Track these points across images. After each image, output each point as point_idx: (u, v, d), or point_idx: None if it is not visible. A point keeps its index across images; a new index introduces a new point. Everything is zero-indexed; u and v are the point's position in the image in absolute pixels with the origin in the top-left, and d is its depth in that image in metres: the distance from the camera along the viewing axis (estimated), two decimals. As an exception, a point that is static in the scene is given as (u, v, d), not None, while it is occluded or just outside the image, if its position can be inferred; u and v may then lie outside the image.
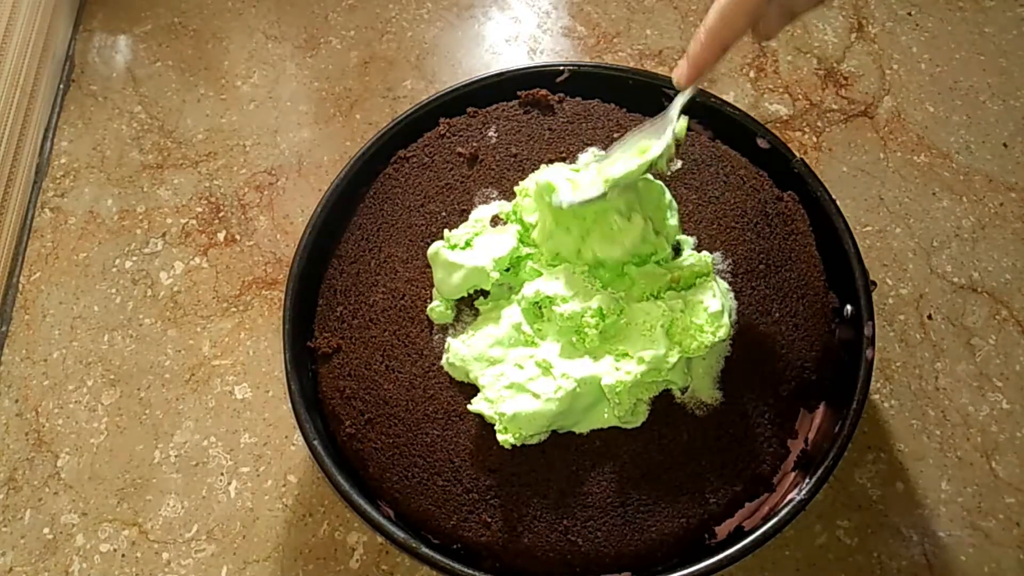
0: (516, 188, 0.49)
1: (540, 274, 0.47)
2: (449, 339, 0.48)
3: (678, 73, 0.44)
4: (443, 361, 0.48)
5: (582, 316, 0.44)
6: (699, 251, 0.49)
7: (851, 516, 0.53)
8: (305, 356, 0.51)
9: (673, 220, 0.47)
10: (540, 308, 0.46)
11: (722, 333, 0.44)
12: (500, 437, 0.43)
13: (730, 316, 0.46)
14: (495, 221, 0.50)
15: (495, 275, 0.47)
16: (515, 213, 0.49)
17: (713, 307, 0.44)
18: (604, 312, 0.44)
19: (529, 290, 0.46)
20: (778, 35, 0.46)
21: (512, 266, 0.48)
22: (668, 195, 0.47)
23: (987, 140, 0.66)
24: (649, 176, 0.47)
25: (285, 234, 0.66)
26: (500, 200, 0.52)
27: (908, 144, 0.67)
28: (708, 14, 0.41)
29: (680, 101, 0.44)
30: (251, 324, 0.62)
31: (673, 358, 0.43)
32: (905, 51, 0.71)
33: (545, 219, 0.47)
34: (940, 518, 0.53)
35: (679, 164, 0.53)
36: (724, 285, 0.47)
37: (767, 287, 0.49)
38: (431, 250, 0.48)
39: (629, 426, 0.45)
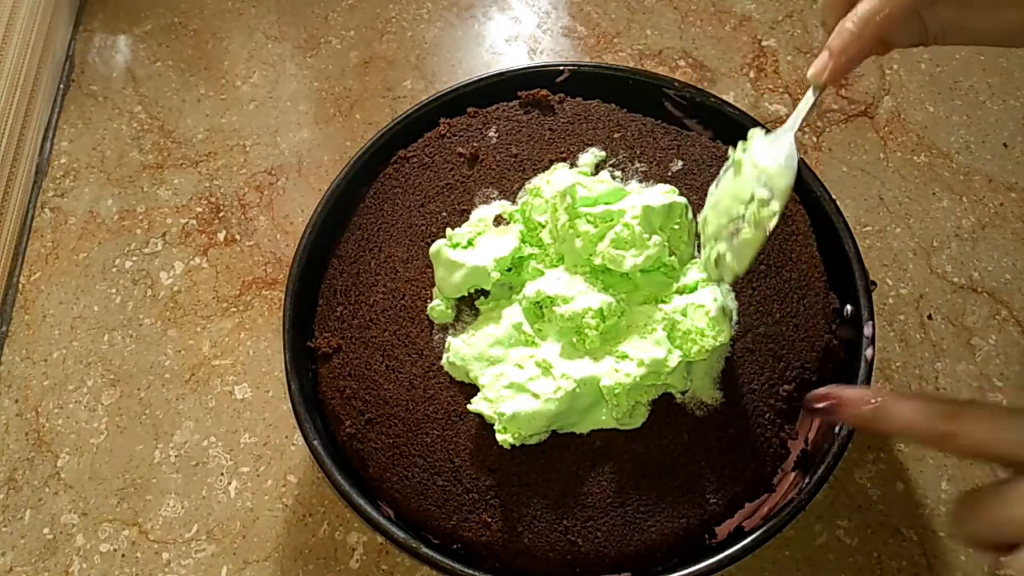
0: (527, 187, 0.49)
1: (542, 274, 0.47)
2: (450, 338, 0.48)
3: (818, 68, 0.40)
4: (443, 360, 0.48)
5: (583, 317, 0.44)
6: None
7: (851, 516, 0.53)
8: (305, 356, 0.51)
9: (689, 246, 0.47)
10: (541, 308, 0.46)
11: (723, 338, 0.44)
12: (499, 437, 0.43)
13: (730, 319, 0.46)
14: (498, 221, 0.51)
15: (496, 275, 0.47)
16: (523, 212, 0.49)
17: (715, 311, 0.44)
18: (605, 313, 0.44)
19: (530, 290, 0.46)
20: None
21: (514, 266, 0.48)
22: (691, 215, 0.47)
23: (987, 140, 0.66)
24: (675, 193, 0.47)
25: (285, 234, 0.66)
26: (501, 200, 0.52)
27: (908, 144, 0.67)
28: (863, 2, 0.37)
29: (807, 105, 0.41)
30: (251, 324, 0.62)
31: (673, 362, 0.43)
32: (905, 51, 0.71)
33: (558, 220, 0.47)
34: (940, 518, 0.53)
35: (680, 164, 0.53)
36: (725, 286, 0.47)
37: (767, 287, 0.49)
38: (433, 248, 0.48)
39: (627, 427, 0.45)
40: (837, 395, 0.38)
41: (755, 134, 0.43)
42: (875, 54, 0.42)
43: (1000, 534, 0.34)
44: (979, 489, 0.35)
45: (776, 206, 0.40)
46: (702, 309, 0.44)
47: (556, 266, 0.47)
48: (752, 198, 0.40)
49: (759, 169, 0.41)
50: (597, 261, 0.46)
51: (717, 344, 0.44)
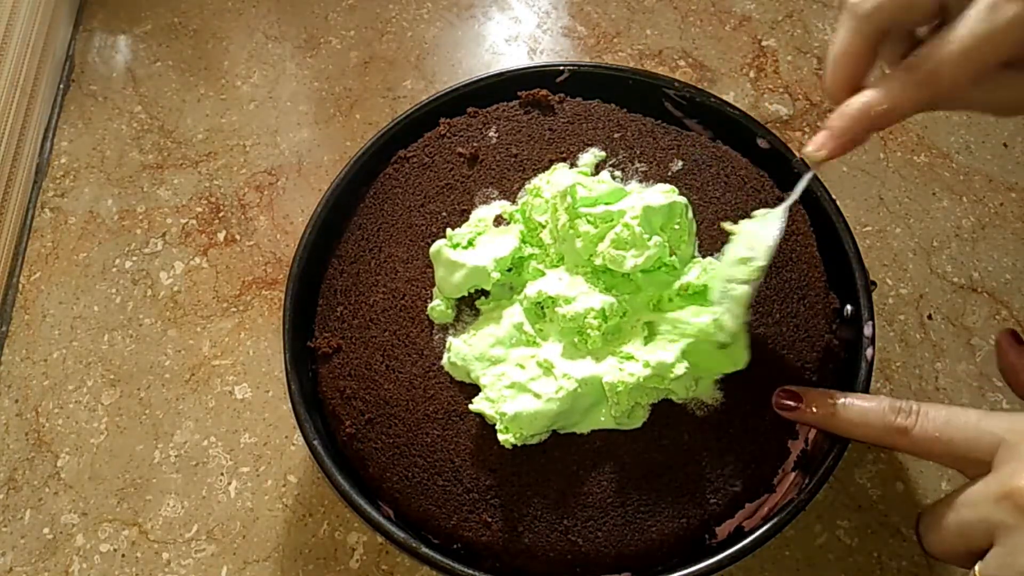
0: (527, 187, 0.49)
1: (543, 274, 0.47)
2: (450, 338, 0.48)
3: (817, 145, 0.39)
4: (444, 361, 0.48)
5: (585, 317, 0.44)
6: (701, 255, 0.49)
7: (851, 516, 0.53)
8: (305, 356, 0.51)
9: (690, 246, 0.47)
10: (542, 308, 0.46)
11: (741, 364, 0.44)
12: (501, 437, 0.43)
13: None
14: (499, 221, 0.51)
15: (496, 275, 0.47)
16: (523, 212, 0.49)
17: (742, 340, 0.44)
18: (607, 313, 0.44)
19: (532, 290, 0.46)
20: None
21: (514, 266, 0.48)
22: (691, 215, 0.47)
23: (987, 140, 0.66)
24: (675, 193, 0.47)
25: (285, 234, 0.66)
26: (501, 200, 0.52)
27: (908, 144, 0.67)
28: (871, 92, 0.37)
29: (802, 185, 0.42)
30: (251, 324, 0.62)
31: (679, 370, 0.43)
32: (905, 51, 0.71)
33: (558, 221, 0.47)
34: (940, 518, 0.53)
35: (680, 164, 0.53)
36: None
37: (767, 287, 0.49)
38: (433, 248, 0.48)
39: (625, 428, 0.45)
40: (797, 395, 0.41)
41: (755, 214, 0.46)
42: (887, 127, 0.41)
43: (964, 542, 0.35)
44: (934, 504, 0.36)
45: (760, 262, 0.42)
46: (731, 332, 0.44)
47: (557, 266, 0.47)
48: (739, 260, 0.43)
49: (747, 235, 0.44)
50: (598, 261, 0.46)
51: (735, 370, 0.44)
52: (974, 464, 0.35)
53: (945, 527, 0.36)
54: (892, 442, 0.38)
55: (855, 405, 0.40)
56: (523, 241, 0.48)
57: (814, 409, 0.41)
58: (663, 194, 0.46)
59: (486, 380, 0.45)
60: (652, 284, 0.46)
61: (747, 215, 0.51)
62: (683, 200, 0.46)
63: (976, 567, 0.34)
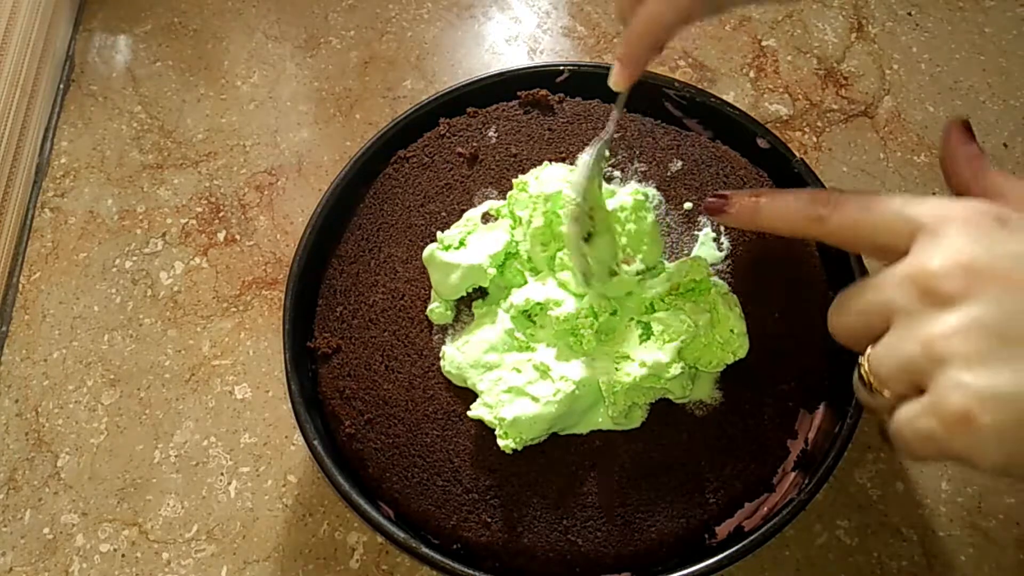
0: (514, 181, 0.49)
1: (523, 277, 0.47)
2: (444, 346, 0.48)
3: (614, 78, 0.42)
4: (440, 366, 0.48)
5: (577, 317, 0.44)
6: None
7: (851, 516, 0.53)
8: (305, 356, 0.51)
9: (656, 246, 0.47)
10: (530, 316, 0.46)
11: (742, 353, 0.44)
12: (501, 443, 0.43)
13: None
14: (486, 218, 0.51)
15: (492, 271, 0.47)
16: (508, 205, 0.49)
17: (739, 327, 0.44)
18: (596, 311, 0.44)
19: (518, 298, 0.46)
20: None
21: (507, 259, 0.48)
22: (651, 216, 0.46)
23: (987, 140, 0.66)
24: (638, 193, 0.47)
25: (285, 234, 0.66)
26: (499, 200, 0.52)
27: (908, 144, 0.67)
28: (641, 10, 0.39)
29: (616, 113, 0.44)
30: (251, 324, 0.62)
31: (675, 370, 0.43)
32: (905, 51, 0.71)
33: (532, 221, 0.47)
34: (940, 518, 0.53)
35: (680, 164, 0.53)
36: (724, 287, 0.47)
37: (767, 287, 0.49)
38: (426, 253, 0.48)
39: (623, 428, 0.45)
40: (725, 195, 0.40)
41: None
42: (677, 32, 0.42)
43: (863, 324, 0.33)
44: (846, 287, 0.35)
45: (576, 196, 0.43)
46: (727, 323, 0.44)
47: (531, 268, 0.47)
48: (565, 203, 0.44)
49: (569, 182, 0.45)
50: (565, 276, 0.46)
51: (735, 359, 0.44)
52: (893, 252, 0.33)
53: (848, 308, 0.34)
54: (812, 231, 0.36)
55: (776, 198, 0.38)
56: (512, 235, 0.48)
57: (737, 207, 0.39)
58: (628, 195, 0.46)
59: (483, 386, 0.45)
60: (643, 284, 0.46)
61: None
62: (640, 199, 0.46)
63: (867, 351, 0.33)
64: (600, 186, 0.45)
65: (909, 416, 0.30)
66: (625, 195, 0.46)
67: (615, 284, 0.45)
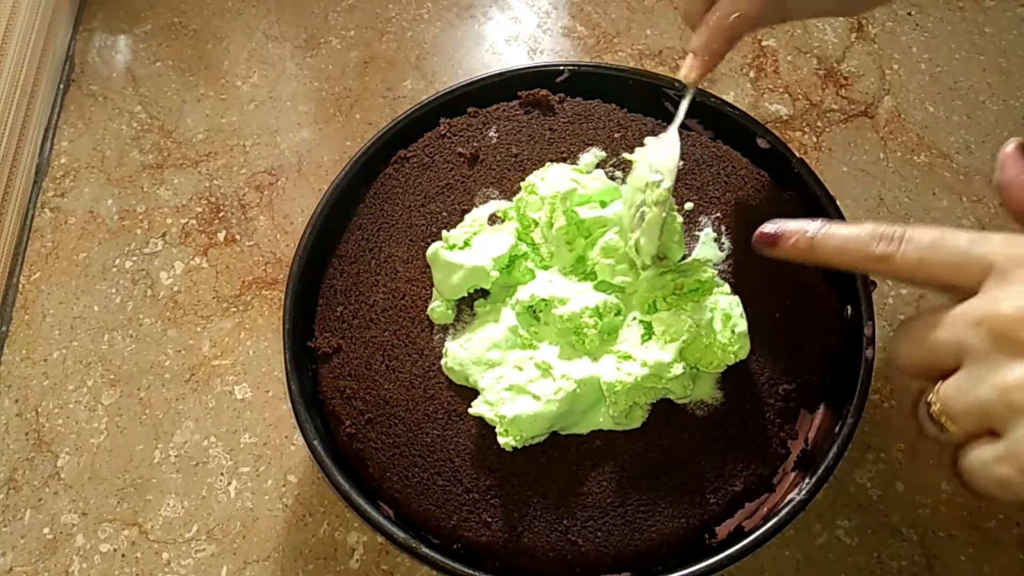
0: (522, 184, 0.49)
1: (534, 275, 0.47)
2: (447, 344, 0.48)
3: (686, 69, 0.44)
4: (442, 363, 0.48)
5: (580, 317, 0.44)
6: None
7: (851, 516, 0.53)
8: (305, 356, 0.51)
9: (679, 247, 0.47)
10: (535, 312, 0.46)
11: (743, 354, 0.44)
12: (501, 440, 0.43)
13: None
14: (493, 220, 0.51)
15: (495, 274, 0.47)
16: (517, 209, 0.49)
17: (740, 327, 0.44)
18: (601, 311, 0.44)
19: (524, 294, 0.46)
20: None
21: (511, 263, 0.48)
22: (678, 219, 0.47)
23: (987, 140, 0.66)
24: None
25: (285, 234, 0.66)
26: (500, 200, 0.52)
27: (908, 144, 0.67)
28: (718, 9, 0.42)
29: (685, 104, 0.45)
30: (251, 324, 0.62)
31: (676, 370, 0.43)
32: (905, 51, 0.71)
33: (553, 223, 0.47)
34: (940, 518, 0.53)
35: (680, 164, 0.53)
36: (726, 288, 0.47)
37: (768, 288, 0.49)
38: (430, 251, 0.48)
39: (624, 428, 0.45)
40: (779, 229, 0.38)
41: (647, 140, 0.47)
42: (745, 35, 0.45)
43: (933, 359, 0.33)
44: (913, 317, 0.34)
45: (667, 183, 0.43)
46: (730, 323, 0.44)
47: (548, 267, 0.47)
48: (647, 185, 0.44)
49: (648, 162, 0.45)
50: (588, 267, 0.46)
51: (735, 360, 0.44)
52: (962, 290, 0.33)
53: (918, 341, 0.34)
54: (875, 269, 0.36)
55: (834, 236, 0.37)
56: (519, 238, 0.48)
57: (792, 242, 0.38)
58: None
59: (484, 383, 0.45)
60: (647, 283, 0.46)
61: (747, 215, 0.51)
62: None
63: (937, 386, 0.33)
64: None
65: (984, 460, 0.31)
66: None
67: (659, 274, 0.46)
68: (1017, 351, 0.30)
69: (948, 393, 0.32)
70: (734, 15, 0.42)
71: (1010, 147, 0.38)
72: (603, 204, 0.49)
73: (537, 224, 0.48)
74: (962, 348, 0.32)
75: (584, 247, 0.47)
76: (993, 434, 0.30)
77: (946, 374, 0.32)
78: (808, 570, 0.52)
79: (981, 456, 0.31)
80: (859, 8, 0.49)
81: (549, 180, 0.48)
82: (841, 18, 0.73)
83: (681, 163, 0.53)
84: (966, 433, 0.32)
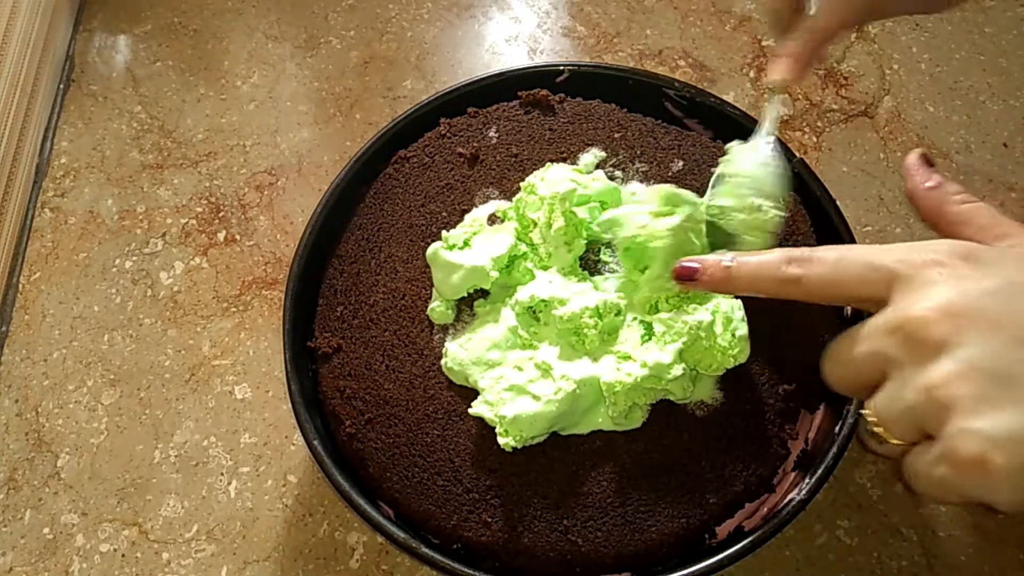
0: (522, 184, 0.49)
1: (533, 275, 0.47)
2: (447, 344, 0.48)
3: (780, 73, 0.44)
4: (442, 363, 0.48)
5: (581, 317, 0.44)
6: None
7: (851, 516, 0.53)
8: (305, 356, 0.51)
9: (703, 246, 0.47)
10: (535, 313, 0.46)
11: (743, 357, 0.44)
12: (501, 441, 0.43)
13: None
14: (492, 220, 0.51)
15: (494, 274, 0.47)
16: (517, 209, 0.49)
17: (741, 331, 0.44)
18: (601, 311, 0.44)
19: (523, 295, 0.46)
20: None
21: (511, 263, 0.48)
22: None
23: (987, 140, 0.66)
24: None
25: (285, 234, 0.66)
26: (500, 200, 0.52)
27: (908, 144, 0.67)
28: (811, 20, 0.42)
29: (775, 110, 0.45)
30: (251, 324, 0.62)
31: (676, 371, 0.43)
32: (905, 51, 0.71)
33: (552, 224, 0.47)
34: (940, 518, 0.53)
35: (680, 164, 0.53)
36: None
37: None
38: (430, 251, 0.48)
39: (624, 428, 0.45)
40: (696, 261, 0.39)
41: (733, 146, 0.46)
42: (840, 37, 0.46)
43: (858, 375, 0.34)
44: (838, 337, 0.35)
45: (776, 212, 0.43)
46: (731, 326, 0.44)
47: (547, 267, 0.47)
48: (749, 207, 0.43)
49: (749, 177, 0.44)
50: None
51: (735, 363, 0.44)
52: (874, 303, 0.33)
53: (841, 361, 0.35)
54: (789, 293, 0.36)
55: (747, 263, 0.38)
56: (518, 238, 0.48)
57: (708, 275, 0.39)
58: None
59: (484, 383, 0.45)
60: (650, 284, 0.46)
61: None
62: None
63: (871, 401, 0.33)
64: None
65: (923, 464, 0.31)
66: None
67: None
68: (933, 350, 0.30)
69: (880, 405, 0.32)
70: (831, 23, 0.42)
71: (913, 157, 0.40)
72: (604, 205, 0.49)
73: (536, 224, 0.48)
74: (883, 359, 0.32)
75: (582, 249, 0.47)
76: (930, 438, 0.31)
77: (875, 388, 0.33)
78: (808, 570, 0.52)
79: (919, 461, 0.31)
80: (942, 6, 0.49)
81: (549, 180, 0.48)
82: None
83: (681, 163, 0.53)
84: (906, 442, 0.32)
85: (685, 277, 0.40)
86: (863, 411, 0.33)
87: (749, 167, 0.44)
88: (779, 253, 0.36)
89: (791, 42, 0.43)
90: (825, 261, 0.35)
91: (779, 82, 0.44)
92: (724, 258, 0.38)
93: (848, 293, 0.34)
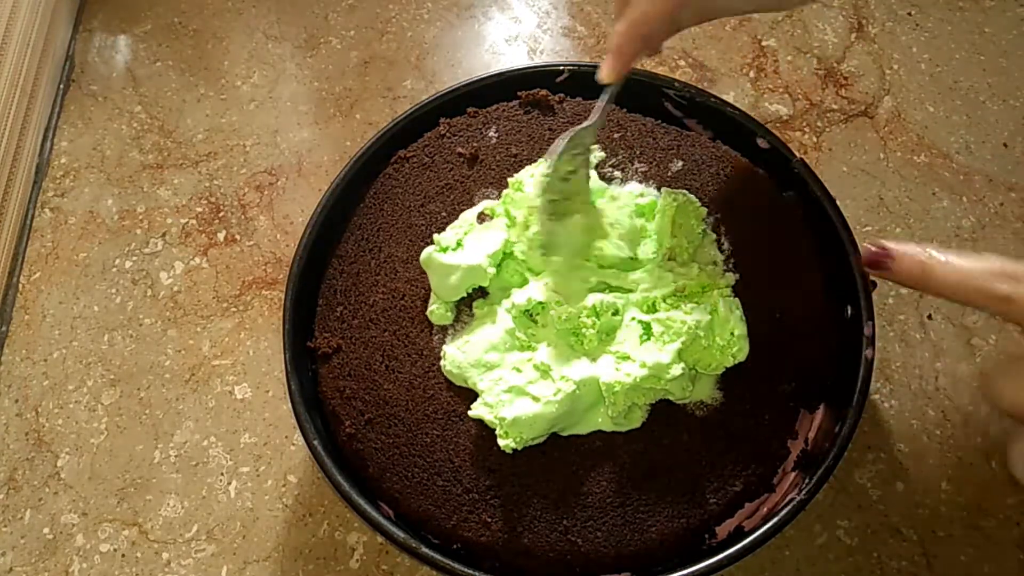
0: (509, 180, 0.49)
1: (523, 275, 0.47)
2: (445, 346, 0.48)
3: (604, 70, 0.44)
4: (441, 366, 0.48)
5: (578, 317, 0.44)
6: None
7: (851, 516, 0.53)
8: (305, 356, 0.51)
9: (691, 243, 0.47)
10: (531, 316, 0.46)
11: (741, 356, 0.44)
12: (501, 442, 0.43)
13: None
14: (481, 218, 0.51)
15: (492, 270, 0.47)
16: (504, 204, 0.49)
17: (739, 329, 0.44)
18: (598, 311, 0.44)
19: (520, 298, 0.46)
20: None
21: (505, 257, 0.48)
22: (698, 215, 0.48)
23: (987, 140, 0.66)
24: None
25: (285, 234, 0.66)
26: (498, 200, 0.52)
27: (908, 144, 0.67)
28: (629, 10, 0.41)
29: (601, 103, 0.45)
30: (251, 324, 0.62)
31: (675, 371, 0.43)
32: (905, 51, 0.71)
33: (529, 225, 0.47)
34: (940, 518, 0.53)
35: (680, 164, 0.53)
36: (726, 290, 0.47)
37: (767, 287, 0.49)
38: (423, 256, 0.48)
39: (623, 429, 0.45)
40: (891, 250, 0.36)
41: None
42: (670, 36, 0.44)
43: None
44: (1017, 357, 0.33)
45: (544, 168, 0.45)
46: (727, 325, 0.44)
47: (536, 273, 0.48)
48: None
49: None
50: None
51: (734, 362, 0.44)
52: None
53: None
54: (994, 309, 0.34)
55: (952, 267, 0.34)
56: (509, 234, 0.48)
57: (905, 266, 0.36)
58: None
59: (483, 385, 0.45)
60: (648, 282, 0.46)
61: (746, 215, 0.51)
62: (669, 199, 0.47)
63: None
64: (587, 176, 0.46)
65: None
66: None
67: (578, 270, 0.46)
68: None
69: None
70: (638, 21, 0.41)
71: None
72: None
73: (516, 223, 0.48)
74: None
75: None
76: None
77: None
78: (808, 570, 0.52)
79: None
80: (786, 5, 0.49)
81: (537, 179, 0.48)
82: (841, 17, 0.73)
83: (680, 163, 0.53)
84: None
85: (874, 263, 0.37)
86: None
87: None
88: (989, 265, 0.34)
89: (614, 35, 0.43)
90: None
91: (603, 80, 0.44)
92: (924, 253, 0.35)
93: None
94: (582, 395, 0.44)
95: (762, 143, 0.53)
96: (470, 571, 0.43)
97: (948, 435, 0.55)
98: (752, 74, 0.71)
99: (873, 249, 0.37)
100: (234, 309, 0.63)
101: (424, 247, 0.49)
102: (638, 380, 0.43)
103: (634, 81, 0.56)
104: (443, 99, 0.56)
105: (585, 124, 0.45)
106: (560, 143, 0.45)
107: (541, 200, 0.45)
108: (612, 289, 0.47)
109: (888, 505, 0.53)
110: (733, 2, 0.44)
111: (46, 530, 0.56)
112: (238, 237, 0.66)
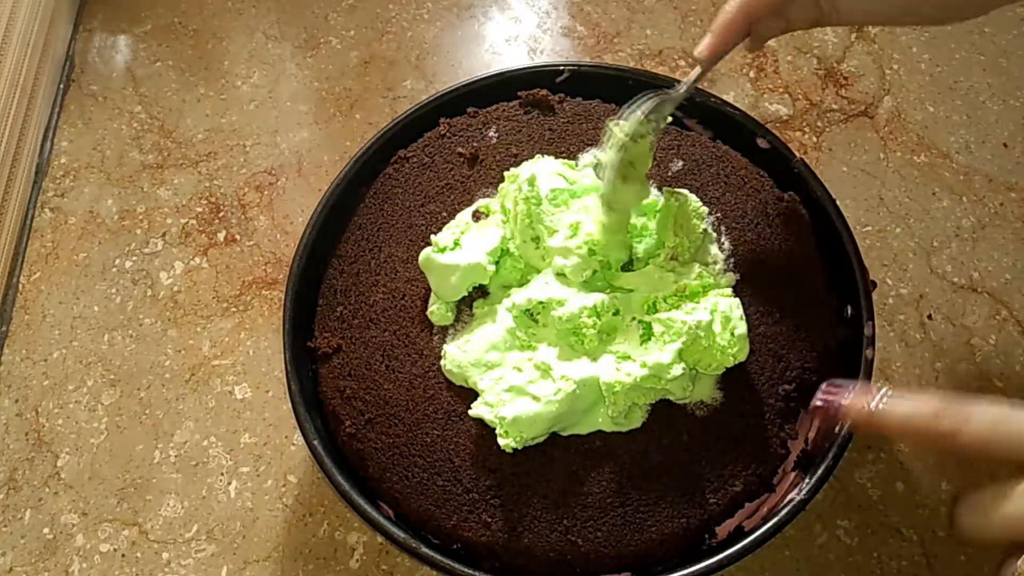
0: (506, 174, 0.49)
1: (522, 272, 0.47)
2: (445, 346, 0.48)
3: (701, 47, 0.45)
4: (441, 365, 0.48)
5: (579, 317, 0.44)
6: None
7: (851, 516, 0.53)
8: (305, 356, 0.51)
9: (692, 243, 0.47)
10: (532, 315, 0.46)
11: (742, 356, 0.44)
12: (501, 442, 0.43)
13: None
14: (477, 216, 0.51)
15: (491, 268, 0.47)
16: (500, 199, 0.49)
17: (740, 329, 0.44)
18: (599, 311, 0.44)
19: (520, 298, 0.46)
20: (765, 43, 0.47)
21: (502, 255, 0.48)
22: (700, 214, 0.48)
23: (987, 140, 0.66)
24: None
25: (285, 234, 0.66)
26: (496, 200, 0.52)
27: (908, 144, 0.67)
28: None
29: (691, 78, 0.45)
30: (251, 324, 0.62)
31: (676, 371, 0.43)
32: (905, 51, 0.71)
33: (518, 215, 0.47)
34: (940, 518, 0.53)
35: (680, 164, 0.53)
36: (726, 290, 0.47)
37: (767, 287, 0.49)
38: (422, 258, 0.48)
39: (623, 429, 0.45)
40: (840, 409, 0.38)
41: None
42: (777, 34, 0.46)
43: (1009, 533, 0.34)
44: (985, 489, 0.34)
45: (620, 128, 0.45)
46: (728, 325, 0.44)
47: (526, 266, 0.48)
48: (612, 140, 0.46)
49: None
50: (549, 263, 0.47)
51: (734, 362, 0.44)
52: None
53: (994, 514, 0.34)
54: (940, 446, 0.35)
55: (895, 411, 0.36)
56: (505, 231, 0.48)
57: (852, 416, 0.37)
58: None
59: (484, 385, 0.45)
60: (647, 283, 0.46)
61: (745, 215, 0.51)
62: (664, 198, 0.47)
63: (1020, 562, 0.33)
64: (653, 146, 0.46)
65: None
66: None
67: (621, 233, 0.47)
68: None
69: None
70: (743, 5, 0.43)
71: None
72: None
73: (509, 214, 0.48)
74: None
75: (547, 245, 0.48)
76: None
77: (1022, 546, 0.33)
78: (808, 570, 0.52)
79: None
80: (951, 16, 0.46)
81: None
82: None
83: (680, 163, 0.53)
84: None
85: (824, 418, 0.39)
86: (1018, 567, 0.33)
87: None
88: (932, 404, 0.35)
89: (717, 17, 0.44)
90: (982, 418, 0.34)
91: (697, 54, 0.45)
92: (870, 399, 0.37)
93: (1005, 453, 0.34)
94: (582, 395, 0.44)
95: (762, 143, 0.53)
96: (470, 571, 0.43)
97: (948, 435, 0.55)
98: (752, 74, 0.71)
99: (821, 405, 0.38)
100: (234, 309, 0.63)
101: (424, 247, 0.49)
102: (638, 380, 0.43)
103: (634, 81, 0.56)
104: (443, 99, 0.56)
105: (671, 94, 0.45)
106: (643, 105, 0.45)
107: (613, 157, 0.45)
108: (613, 289, 0.47)
109: (888, 505, 0.53)
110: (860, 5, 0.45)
111: (46, 530, 0.56)
112: (238, 237, 0.66)
